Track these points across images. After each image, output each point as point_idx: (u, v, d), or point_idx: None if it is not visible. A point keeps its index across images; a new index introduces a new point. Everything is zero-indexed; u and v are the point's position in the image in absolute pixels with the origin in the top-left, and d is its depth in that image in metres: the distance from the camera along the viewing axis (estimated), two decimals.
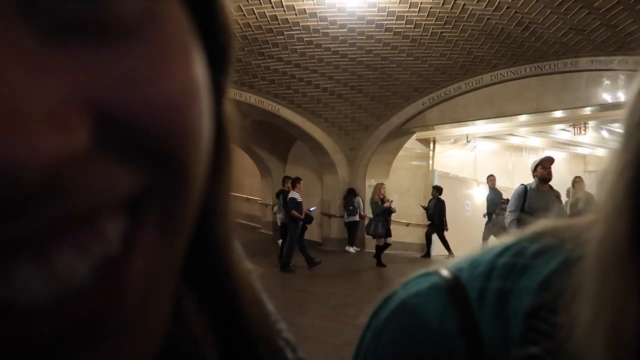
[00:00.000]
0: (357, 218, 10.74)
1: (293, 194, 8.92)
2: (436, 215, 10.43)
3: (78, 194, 0.17)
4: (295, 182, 9.12)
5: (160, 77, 0.20)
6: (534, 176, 5.64)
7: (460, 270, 0.42)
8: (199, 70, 0.22)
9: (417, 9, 7.14)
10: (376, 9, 7.25)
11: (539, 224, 0.42)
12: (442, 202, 10.50)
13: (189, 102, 0.21)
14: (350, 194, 10.86)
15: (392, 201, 9.81)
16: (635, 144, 0.31)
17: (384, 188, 9.86)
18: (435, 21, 7.44)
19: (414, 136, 11.63)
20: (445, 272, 0.42)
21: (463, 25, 7.50)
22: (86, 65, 0.18)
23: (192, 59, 0.22)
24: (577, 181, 8.67)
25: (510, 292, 0.38)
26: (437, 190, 10.59)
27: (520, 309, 0.37)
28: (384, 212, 9.50)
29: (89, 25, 0.18)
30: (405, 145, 11.67)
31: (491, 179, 10.21)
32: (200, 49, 0.23)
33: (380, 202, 9.61)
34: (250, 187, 15.42)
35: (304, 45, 8.31)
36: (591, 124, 11.79)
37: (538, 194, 5.49)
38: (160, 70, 0.20)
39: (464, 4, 6.91)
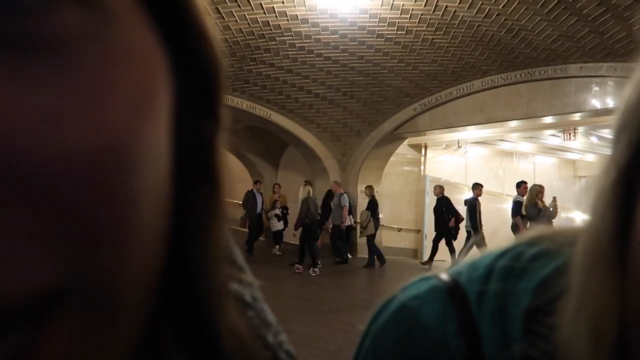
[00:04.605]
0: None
1: (520, 198, 7.92)
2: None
3: None
4: (520, 183, 8.25)
5: (85, 117, 0.15)
6: None
7: (459, 274, 0.42)
8: (156, 110, 0.18)
9: (409, 16, 7.19)
10: (367, 16, 7.29)
11: (537, 229, 0.42)
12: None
13: (125, 153, 0.16)
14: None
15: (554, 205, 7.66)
16: (622, 145, 0.32)
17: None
18: (426, 28, 7.49)
19: (406, 142, 11.68)
20: (444, 276, 0.42)
21: (454, 32, 7.55)
22: None
23: (145, 96, 0.17)
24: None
25: (509, 295, 0.38)
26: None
27: (518, 311, 0.37)
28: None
29: None
30: (397, 151, 11.71)
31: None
32: (175, 86, 0.20)
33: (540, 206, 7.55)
34: (243, 192, 15.35)
35: (296, 51, 8.33)
36: (580, 129, 11.91)
37: None
38: (88, 108, 0.15)
39: (455, 11, 6.96)
